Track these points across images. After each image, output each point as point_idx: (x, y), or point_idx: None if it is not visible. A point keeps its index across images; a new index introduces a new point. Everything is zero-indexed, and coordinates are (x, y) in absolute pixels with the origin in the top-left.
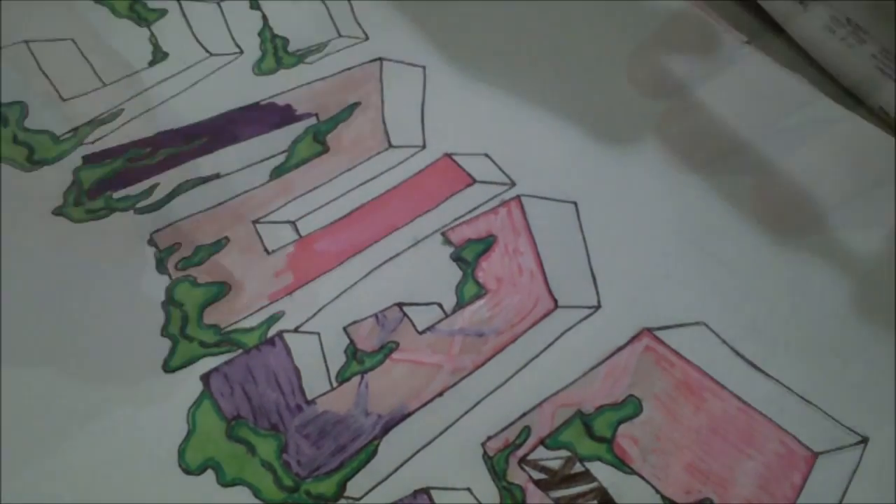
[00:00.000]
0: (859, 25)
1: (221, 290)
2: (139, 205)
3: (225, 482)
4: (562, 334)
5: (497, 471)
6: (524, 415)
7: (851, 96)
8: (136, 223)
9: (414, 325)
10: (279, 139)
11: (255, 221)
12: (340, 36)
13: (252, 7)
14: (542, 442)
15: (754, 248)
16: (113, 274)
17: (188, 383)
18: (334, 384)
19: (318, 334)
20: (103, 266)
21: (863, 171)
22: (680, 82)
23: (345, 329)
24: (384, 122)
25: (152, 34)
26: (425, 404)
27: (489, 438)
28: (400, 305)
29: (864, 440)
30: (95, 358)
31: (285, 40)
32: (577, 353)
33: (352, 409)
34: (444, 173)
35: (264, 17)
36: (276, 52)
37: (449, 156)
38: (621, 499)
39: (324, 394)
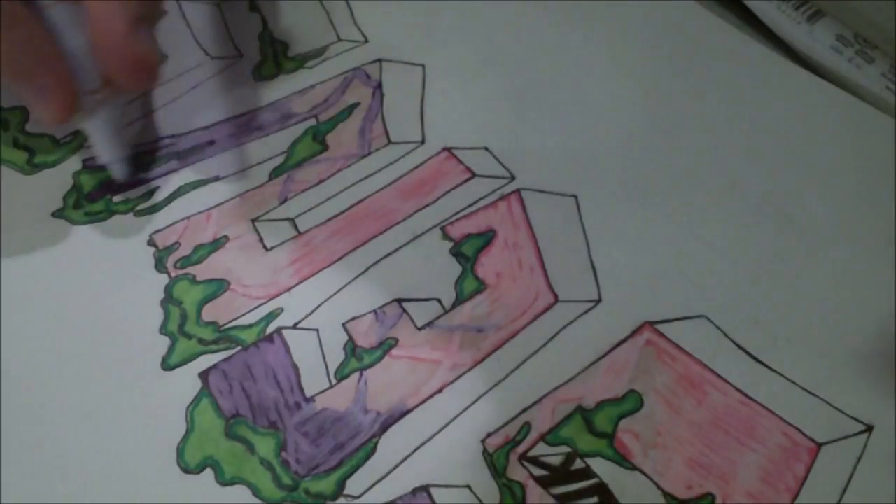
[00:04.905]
0: (867, 41)
1: (220, 287)
2: (139, 207)
3: (224, 481)
4: (562, 329)
5: (497, 467)
6: (524, 411)
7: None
8: (135, 225)
9: (413, 322)
10: (279, 141)
11: (255, 220)
12: (340, 40)
13: (251, 9)
14: (542, 438)
15: (756, 241)
16: (111, 273)
17: (187, 381)
18: (333, 381)
19: (317, 331)
20: (102, 266)
21: (864, 158)
22: (680, 79)
23: (344, 325)
24: (383, 119)
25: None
26: (424, 401)
27: (489, 435)
28: (399, 301)
29: (869, 428)
30: (94, 356)
31: (285, 45)
32: (578, 347)
33: (351, 406)
34: (444, 167)
35: (263, 20)
36: (276, 56)
37: (448, 149)
38: (622, 495)
39: (323, 391)
